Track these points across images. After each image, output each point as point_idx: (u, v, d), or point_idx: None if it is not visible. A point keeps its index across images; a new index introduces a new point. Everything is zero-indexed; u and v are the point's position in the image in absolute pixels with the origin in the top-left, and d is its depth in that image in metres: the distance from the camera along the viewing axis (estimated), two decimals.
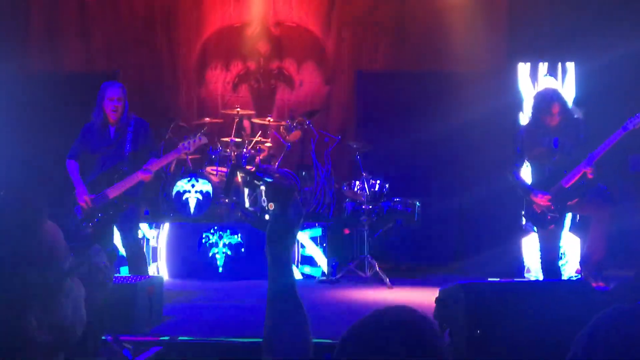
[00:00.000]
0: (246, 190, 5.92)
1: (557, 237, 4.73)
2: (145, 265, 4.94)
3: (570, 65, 6.13)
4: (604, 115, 5.06)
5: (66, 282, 1.01)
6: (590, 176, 4.40)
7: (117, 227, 4.90)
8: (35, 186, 5.31)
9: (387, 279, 5.69)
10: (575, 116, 4.62)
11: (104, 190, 4.74)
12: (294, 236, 1.36)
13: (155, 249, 6.24)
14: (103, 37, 7.99)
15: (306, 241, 6.11)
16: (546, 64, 6.20)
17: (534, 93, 4.98)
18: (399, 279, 6.00)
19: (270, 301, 1.31)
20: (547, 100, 4.59)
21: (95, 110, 4.81)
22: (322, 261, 6.15)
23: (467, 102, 6.53)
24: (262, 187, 1.40)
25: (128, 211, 4.78)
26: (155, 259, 6.17)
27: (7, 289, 0.93)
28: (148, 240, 6.16)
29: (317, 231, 6.19)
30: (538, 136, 4.63)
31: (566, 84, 6.09)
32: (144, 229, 6.19)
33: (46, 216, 0.99)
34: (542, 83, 6.24)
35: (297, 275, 5.98)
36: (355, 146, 6.37)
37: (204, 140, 5.06)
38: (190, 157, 6.92)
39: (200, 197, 6.45)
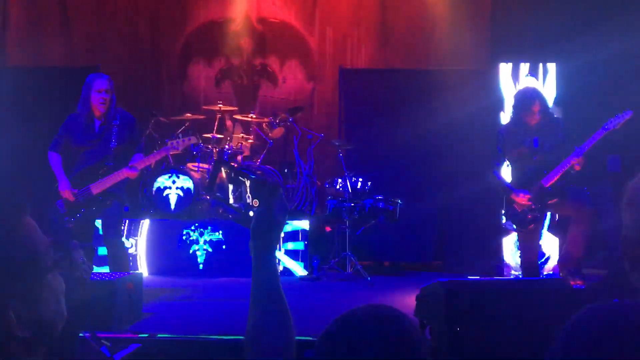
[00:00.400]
0: (230, 187, 5.86)
1: (537, 236, 4.79)
2: (126, 263, 4.87)
3: (552, 66, 6.19)
4: (584, 115, 5.12)
5: (47, 277, 1.00)
6: (577, 167, 4.43)
7: (100, 223, 4.82)
8: (17, 181, 5.20)
9: (368, 277, 5.71)
10: (555, 116, 4.68)
11: (87, 185, 4.64)
12: (279, 233, 1.35)
13: (135, 257, 6.11)
14: (84, 30, 7.90)
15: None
16: (527, 64, 6.25)
17: (515, 92, 5.02)
18: (380, 277, 6.02)
19: (253, 298, 1.30)
20: (528, 98, 4.64)
21: (81, 102, 4.70)
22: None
23: (449, 101, 6.56)
24: (247, 183, 1.38)
25: (112, 207, 4.68)
26: (135, 267, 6.03)
27: None
28: (127, 248, 5.97)
29: (298, 225, 6.18)
30: (518, 136, 4.67)
31: (547, 84, 6.15)
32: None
33: (27, 211, 0.98)
34: (524, 83, 6.30)
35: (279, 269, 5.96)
36: (338, 144, 6.37)
37: (193, 140, 4.99)
38: (171, 152, 6.86)
39: (181, 194, 6.40)
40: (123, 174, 4.62)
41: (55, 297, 1.02)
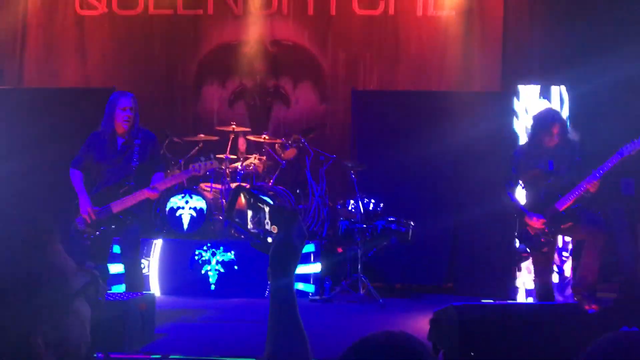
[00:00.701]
0: (249, 212, 5.87)
1: (550, 260, 4.75)
2: (142, 282, 4.87)
3: (563, 89, 6.19)
4: (595, 138, 5.11)
5: (74, 303, 1.02)
6: (592, 190, 4.40)
7: (118, 242, 4.83)
8: (46, 205, 5.23)
9: (380, 299, 5.68)
10: (572, 138, 4.65)
11: (108, 204, 4.66)
12: (297, 258, 1.37)
13: (147, 277, 6.08)
14: (100, 52, 8.02)
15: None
16: (539, 86, 6.26)
17: (534, 113, 4.99)
18: (392, 299, 5.99)
19: (272, 322, 1.31)
20: (548, 120, 4.62)
21: (105, 120, 4.74)
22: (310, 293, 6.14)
23: (461, 123, 6.58)
24: (266, 210, 1.40)
25: (131, 227, 4.69)
26: (147, 288, 6.01)
27: (16, 309, 0.93)
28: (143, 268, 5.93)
29: (310, 247, 6.17)
30: (534, 157, 4.65)
31: (558, 107, 6.15)
32: None
33: (57, 237, 1.00)
34: (536, 105, 6.30)
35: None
36: (350, 165, 6.39)
37: (216, 164, 5.01)
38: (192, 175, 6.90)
39: (194, 214, 6.43)
40: (144, 194, 4.64)
41: (81, 322, 1.03)
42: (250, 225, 1.43)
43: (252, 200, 1.43)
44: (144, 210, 4.85)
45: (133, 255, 4.73)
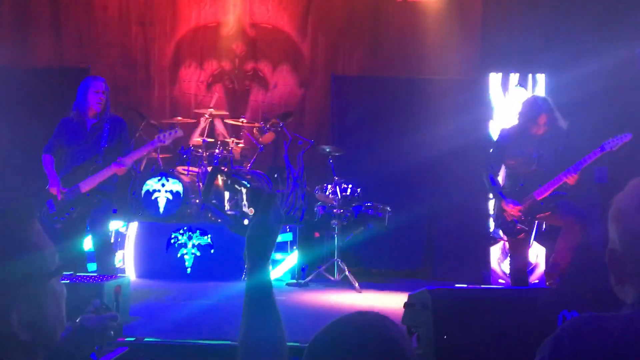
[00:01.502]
0: (226, 194, 5.85)
1: (526, 246, 4.81)
2: (112, 260, 4.91)
3: (541, 77, 6.24)
4: (574, 128, 5.16)
5: (50, 282, 1.01)
6: (570, 182, 4.43)
7: (87, 221, 4.84)
8: (26, 186, 5.23)
9: (357, 283, 5.72)
10: (561, 127, 4.64)
11: (77, 183, 4.70)
12: (273, 241, 1.36)
13: (122, 270, 6.06)
14: (74, 32, 7.86)
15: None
16: (517, 74, 6.30)
17: (524, 99, 4.97)
18: (369, 283, 6.03)
19: (247, 305, 1.31)
20: (536, 109, 4.61)
21: (76, 102, 4.81)
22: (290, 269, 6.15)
23: (439, 110, 6.61)
24: (244, 192, 1.39)
25: (100, 206, 4.74)
26: (122, 271, 6.03)
27: None
28: (113, 245, 5.91)
29: (288, 235, 6.18)
30: (520, 144, 4.65)
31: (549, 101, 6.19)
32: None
33: (36, 217, 1.00)
34: (513, 93, 6.35)
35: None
36: (328, 150, 6.38)
37: (180, 133, 5.04)
38: (161, 156, 6.85)
39: (170, 197, 6.38)
40: (111, 169, 4.69)
41: (57, 302, 1.03)
42: (227, 207, 1.42)
43: (229, 182, 1.41)
44: (113, 188, 4.86)
45: (103, 233, 4.80)
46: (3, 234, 0.97)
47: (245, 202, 1.39)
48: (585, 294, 2.54)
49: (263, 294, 1.31)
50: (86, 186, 4.69)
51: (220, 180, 1.44)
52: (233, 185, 1.42)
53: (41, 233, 1.03)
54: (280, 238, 6.11)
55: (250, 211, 1.38)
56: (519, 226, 4.62)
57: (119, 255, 6.06)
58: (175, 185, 6.39)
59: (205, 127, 6.93)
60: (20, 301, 0.95)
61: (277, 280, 6.05)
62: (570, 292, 2.67)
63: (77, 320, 1.97)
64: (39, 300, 0.99)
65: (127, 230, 6.20)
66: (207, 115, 6.93)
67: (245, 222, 1.38)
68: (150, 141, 4.94)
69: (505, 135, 4.79)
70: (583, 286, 2.56)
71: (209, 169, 6.61)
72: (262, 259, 1.33)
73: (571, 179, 4.42)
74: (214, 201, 1.44)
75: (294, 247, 6.18)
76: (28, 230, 1.00)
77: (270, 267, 1.37)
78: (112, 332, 1.84)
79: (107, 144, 4.75)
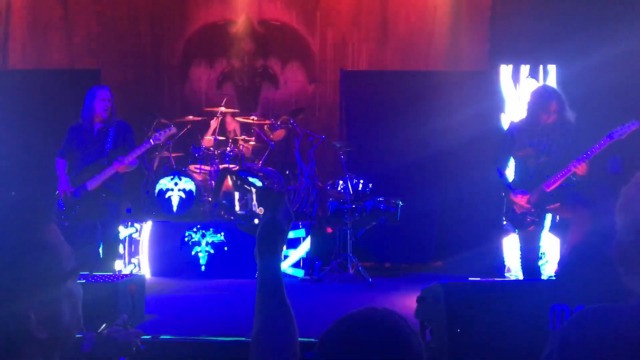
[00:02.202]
0: (236, 194, 5.90)
1: (536, 238, 4.78)
2: (112, 265, 5.12)
3: (552, 68, 6.20)
4: (584, 118, 5.13)
5: (67, 282, 1.04)
6: (580, 173, 4.39)
7: (99, 221, 5.06)
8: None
9: (370, 278, 5.73)
10: (569, 119, 4.62)
11: (84, 182, 5.01)
12: (284, 240, 1.38)
13: (137, 242, 6.25)
14: (85, 33, 7.93)
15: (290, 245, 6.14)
16: (528, 66, 6.27)
17: (532, 90, 4.94)
18: (381, 278, 6.04)
19: (259, 302, 1.33)
20: (546, 97, 4.59)
21: (84, 110, 5.11)
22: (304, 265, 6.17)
23: (449, 103, 6.59)
24: (253, 191, 1.41)
25: (109, 207, 5.02)
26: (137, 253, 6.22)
27: (9, 282, 0.96)
28: (121, 240, 5.99)
29: (301, 232, 6.20)
30: (529, 135, 4.63)
31: (558, 91, 6.16)
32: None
33: (51, 218, 1.03)
34: (524, 85, 6.31)
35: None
36: (339, 145, 6.39)
37: (174, 130, 5.35)
38: (173, 155, 6.90)
39: (183, 195, 6.43)
40: (113, 168, 4.97)
41: (73, 303, 1.05)
42: (237, 207, 1.44)
43: (239, 182, 1.44)
44: (119, 189, 5.13)
45: (112, 234, 5.07)
46: (20, 235, 0.99)
47: (255, 201, 1.42)
48: (582, 288, 2.53)
49: (274, 291, 1.33)
50: (92, 184, 4.97)
51: (229, 180, 1.46)
52: (242, 185, 1.44)
53: (58, 234, 1.06)
54: (292, 234, 6.16)
55: (259, 210, 1.40)
56: (529, 218, 4.60)
57: (134, 260, 6.17)
58: (188, 184, 6.43)
59: (216, 125, 6.96)
60: (37, 301, 0.97)
61: (290, 276, 6.08)
62: (566, 284, 2.66)
63: (105, 332, 2.02)
64: (55, 299, 1.01)
65: (140, 236, 6.26)
66: (218, 115, 6.96)
67: (256, 221, 1.40)
68: (145, 141, 5.22)
69: (514, 127, 4.77)
70: (580, 279, 2.55)
71: (221, 167, 6.64)
72: (272, 257, 1.35)
73: (580, 169, 4.38)
74: (224, 202, 1.46)
75: (307, 243, 6.20)
76: (45, 231, 1.02)
77: (282, 264, 1.39)
78: (135, 348, 1.89)
79: (112, 147, 5.04)
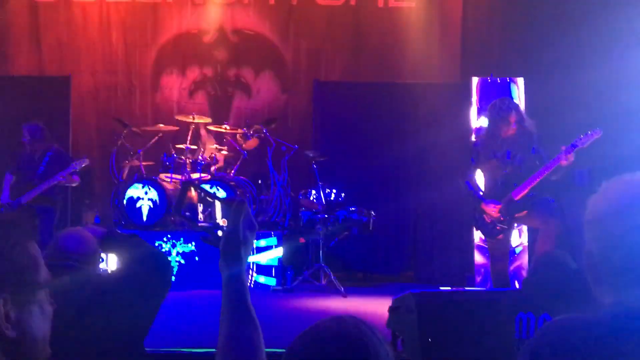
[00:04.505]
0: (200, 206, 5.88)
1: (506, 246, 4.86)
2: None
3: (520, 81, 6.31)
4: (552, 131, 5.23)
5: (39, 293, 1.06)
6: (564, 163, 4.43)
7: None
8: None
9: (342, 288, 5.72)
10: (529, 128, 4.72)
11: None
12: (248, 249, 1.37)
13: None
14: (55, 40, 7.79)
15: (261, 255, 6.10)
16: (497, 79, 6.36)
17: (490, 104, 5.05)
18: (354, 288, 6.04)
19: (224, 314, 1.32)
20: (505, 109, 4.68)
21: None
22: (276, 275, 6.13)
23: (422, 114, 6.66)
24: (217, 203, 1.41)
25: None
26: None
27: None
28: None
29: (273, 240, 6.17)
30: (492, 147, 4.72)
31: (515, 99, 6.27)
32: None
33: (32, 236, 1.08)
34: (493, 97, 6.41)
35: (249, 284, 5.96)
36: (311, 155, 6.39)
37: (87, 161, 5.91)
38: (143, 163, 6.81)
39: (152, 205, 6.34)
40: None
41: (44, 318, 1.06)
42: (201, 219, 1.44)
43: (202, 194, 1.43)
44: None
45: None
46: (5, 242, 1.02)
47: (218, 213, 1.42)
48: (546, 297, 2.57)
49: (239, 301, 1.32)
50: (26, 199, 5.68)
51: (193, 192, 1.46)
52: (205, 198, 1.44)
53: (39, 251, 1.09)
54: (264, 242, 6.12)
55: (223, 222, 1.40)
56: (498, 227, 4.67)
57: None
58: (158, 193, 6.34)
59: (188, 134, 6.90)
60: (6, 292, 0.98)
61: (262, 285, 6.04)
62: (531, 294, 2.70)
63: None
64: (28, 303, 1.02)
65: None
66: (193, 125, 6.90)
67: (220, 233, 1.39)
68: (52, 177, 5.71)
69: (478, 142, 4.88)
70: (544, 289, 2.59)
71: (193, 176, 6.58)
72: (237, 268, 1.35)
73: (565, 161, 4.42)
74: (187, 213, 1.47)
75: (279, 253, 6.17)
76: (29, 244, 1.06)
77: (246, 274, 1.38)
78: None
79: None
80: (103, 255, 2.88)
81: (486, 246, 5.36)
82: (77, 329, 1.75)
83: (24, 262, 1.02)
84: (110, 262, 5.67)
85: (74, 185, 5.89)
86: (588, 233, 1.18)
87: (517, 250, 5.75)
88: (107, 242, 2.21)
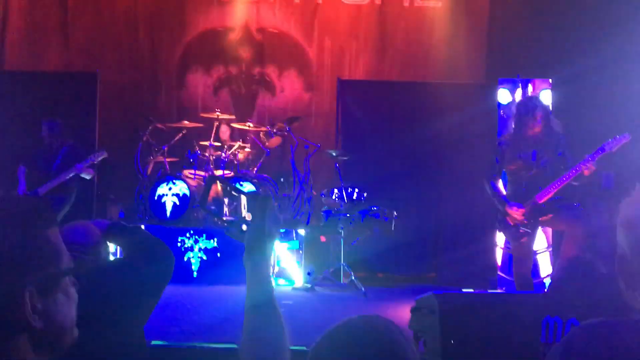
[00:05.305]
0: (225, 201, 5.92)
1: (529, 250, 4.79)
2: None
3: (547, 83, 6.23)
4: (580, 133, 5.16)
5: (63, 280, 1.05)
6: (587, 173, 4.38)
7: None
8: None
9: (363, 288, 5.71)
10: (556, 129, 4.65)
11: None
12: (272, 246, 1.37)
13: None
14: (83, 36, 7.91)
15: (283, 253, 6.11)
16: (525, 79, 6.29)
17: (516, 103, 4.99)
18: (375, 288, 6.02)
19: (248, 311, 1.32)
20: (530, 106, 4.63)
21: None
22: (297, 274, 6.15)
23: (446, 114, 6.61)
24: (242, 197, 1.41)
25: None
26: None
27: (7, 270, 0.99)
28: None
29: (295, 244, 6.18)
30: (518, 148, 4.65)
31: (543, 101, 6.19)
32: None
33: (54, 223, 1.07)
34: (519, 98, 6.34)
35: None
36: (334, 154, 6.39)
37: (105, 154, 5.95)
38: (167, 159, 6.87)
39: (177, 201, 6.40)
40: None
41: (69, 303, 1.07)
42: (226, 213, 1.45)
43: (227, 188, 1.43)
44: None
45: None
46: (27, 230, 1.02)
47: (243, 207, 1.41)
48: (574, 301, 2.54)
49: (264, 297, 1.32)
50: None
51: (219, 187, 1.47)
52: (231, 192, 1.44)
53: (59, 238, 1.08)
54: (289, 245, 6.14)
55: (248, 216, 1.39)
56: (521, 230, 4.61)
57: None
58: (182, 189, 6.40)
59: (212, 131, 6.95)
60: (31, 283, 0.99)
61: (283, 284, 6.06)
62: (558, 298, 2.67)
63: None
64: (53, 291, 1.03)
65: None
66: (217, 122, 6.94)
67: (244, 227, 1.39)
68: (71, 167, 5.85)
69: (503, 141, 4.80)
70: (572, 293, 2.55)
71: (216, 173, 6.62)
72: (261, 263, 1.34)
73: (587, 171, 4.37)
74: (213, 207, 1.47)
75: (301, 252, 6.18)
76: (49, 231, 1.05)
77: (271, 269, 1.38)
78: None
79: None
80: (112, 247, 2.94)
81: (509, 249, 5.30)
82: (78, 318, 1.78)
83: (46, 252, 1.03)
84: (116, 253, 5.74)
85: (88, 177, 6.02)
86: (621, 236, 1.16)
87: (540, 253, 5.69)
88: (111, 233, 2.25)
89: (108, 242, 2.32)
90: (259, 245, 1.35)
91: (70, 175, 5.90)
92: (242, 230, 1.39)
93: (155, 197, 6.43)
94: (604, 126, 5.51)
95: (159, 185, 6.45)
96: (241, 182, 6.29)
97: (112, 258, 4.25)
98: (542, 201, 4.56)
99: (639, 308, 1.11)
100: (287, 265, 6.18)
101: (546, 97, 6.03)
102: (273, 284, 1.37)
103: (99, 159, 5.99)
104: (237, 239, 1.42)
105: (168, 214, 6.39)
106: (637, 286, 1.12)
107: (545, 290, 4.76)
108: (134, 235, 2.26)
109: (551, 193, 4.54)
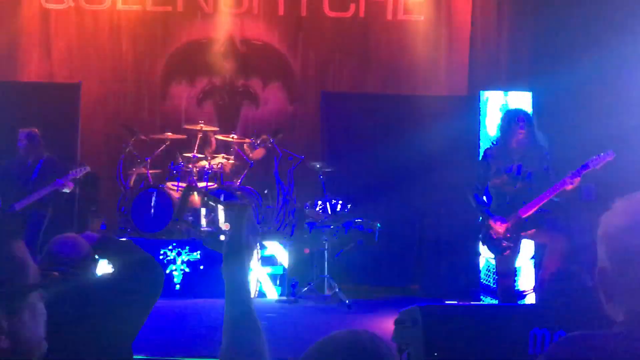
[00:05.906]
0: (203, 211, 5.89)
1: (512, 262, 4.82)
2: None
3: (528, 95, 6.31)
4: (561, 146, 5.21)
5: (29, 296, 1.03)
6: (570, 187, 4.40)
7: None
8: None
9: (347, 300, 5.70)
10: (541, 143, 4.69)
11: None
12: (250, 254, 1.36)
13: None
14: (65, 46, 7.85)
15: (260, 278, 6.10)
16: (505, 92, 6.37)
17: (501, 114, 5.05)
18: (359, 300, 6.02)
19: (227, 320, 1.31)
20: (513, 114, 4.69)
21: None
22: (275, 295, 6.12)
23: (429, 126, 6.65)
24: (219, 208, 1.40)
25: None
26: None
27: None
28: None
29: (278, 269, 6.17)
30: (504, 160, 4.68)
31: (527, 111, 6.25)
32: None
33: (18, 237, 1.04)
34: (500, 111, 6.41)
35: (254, 293, 5.94)
36: (318, 166, 6.39)
37: (88, 169, 5.89)
38: (150, 171, 6.83)
39: (158, 213, 6.34)
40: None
41: (36, 320, 1.04)
42: (204, 224, 1.44)
43: (205, 199, 1.43)
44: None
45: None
46: None
47: (221, 218, 1.40)
48: (562, 313, 2.55)
49: (242, 307, 1.31)
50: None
51: (196, 197, 1.46)
52: (209, 202, 1.43)
53: (25, 250, 1.06)
54: (271, 270, 6.11)
55: (226, 226, 1.38)
56: (504, 243, 4.63)
57: None
58: (165, 201, 6.35)
59: (196, 143, 6.92)
60: (1, 307, 0.97)
61: (266, 296, 6.02)
62: (545, 310, 2.68)
63: None
64: (18, 310, 1.00)
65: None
66: (200, 134, 6.92)
67: (222, 237, 1.38)
68: (52, 183, 5.69)
69: (488, 154, 4.83)
70: (560, 305, 2.57)
71: (200, 185, 6.59)
72: (239, 273, 1.33)
73: (570, 186, 4.40)
74: (190, 218, 1.46)
75: (284, 263, 6.15)
76: (13, 246, 1.03)
77: (249, 281, 1.37)
78: None
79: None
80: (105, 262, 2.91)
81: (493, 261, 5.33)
82: (66, 333, 1.75)
83: (10, 267, 1.00)
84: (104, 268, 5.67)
85: (67, 191, 5.82)
86: (601, 249, 1.17)
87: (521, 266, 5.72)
88: (101, 247, 2.22)
89: (97, 256, 2.30)
90: (236, 255, 1.34)
91: (51, 190, 5.75)
92: (219, 240, 1.38)
93: (132, 207, 6.37)
94: (584, 138, 5.58)
95: (137, 195, 6.39)
96: (224, 195, 6.27)
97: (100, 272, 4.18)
98: (526, 216, 4.59)
99: (619, 320, 1.12)
100: (270, 276, 6.15)
101: (528, 108, 6.10)
102: (250, 293, 1.36)
103: (82, 174, 5.86)
104: (214, 249, 1.41)
105: (150, 226, 6.33)
106: (616, 299, 1.13)
107: (534, 302, 4.77)
108: (124, 250, 2.24)
109: (534, 208, 4.56)
